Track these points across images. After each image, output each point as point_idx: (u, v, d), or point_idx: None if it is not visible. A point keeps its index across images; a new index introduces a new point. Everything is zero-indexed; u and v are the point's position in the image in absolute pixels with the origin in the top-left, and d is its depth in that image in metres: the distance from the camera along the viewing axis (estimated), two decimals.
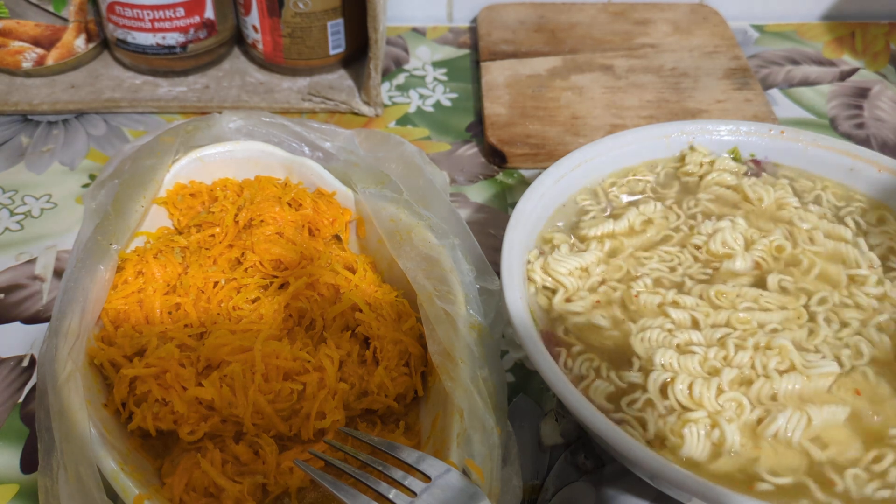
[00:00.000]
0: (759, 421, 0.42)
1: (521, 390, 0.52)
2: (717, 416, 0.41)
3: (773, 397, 0.43)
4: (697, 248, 0.51)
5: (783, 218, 0.53)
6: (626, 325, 0.46)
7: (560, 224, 0.53)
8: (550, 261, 0.49)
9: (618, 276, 0.49)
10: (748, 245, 0.51)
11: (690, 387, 0.43)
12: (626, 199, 0.55)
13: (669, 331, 0.46)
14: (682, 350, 0.45)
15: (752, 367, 0.44)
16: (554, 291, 0.48)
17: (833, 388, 0.43)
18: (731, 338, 0.45)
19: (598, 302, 0.48)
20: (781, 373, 0.43)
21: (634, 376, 0.44)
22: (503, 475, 0.41)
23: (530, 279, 0.49)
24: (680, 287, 0.49)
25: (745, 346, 0.44)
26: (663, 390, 0.43)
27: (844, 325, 0.46)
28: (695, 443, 0.40)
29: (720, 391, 0.42)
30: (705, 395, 0.42)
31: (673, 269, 0.50)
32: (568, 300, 0.48)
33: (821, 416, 0.41)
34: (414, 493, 0.37)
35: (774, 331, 0.46)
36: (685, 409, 0.42)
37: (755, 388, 0.43)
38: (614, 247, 0.51)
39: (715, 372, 0.43)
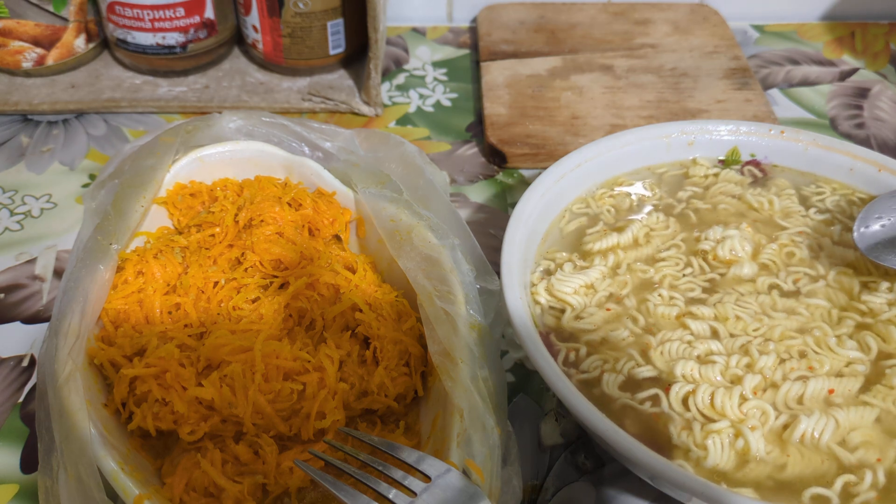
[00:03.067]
0: (785, 426, 0.41)
1: (521, 390, 0.52)
2: (740, 424, 0.41)
3: (800, 400, 0.43)
4: (705, 253, 0.51)
5: (790, 226, 0.53)
6: (644, 338, 0.46)
7: (561, 234, 0.53)
8: (554, 282, 0.49)
9: (626, 289, 0.49)
10: (757, 251, 0.51)
11: (712, 397, 0.43)
12: (630, 206, 0.55)
13: (689, 342, 0.45)
14: (703, 360, 0.44)
15: (776, 370, 0.44)
16: (562, 311, 0.48)
17: (861, 391, 0.43)
18: (753, 344, 0.45)
19: (608, 310, 0.48)
20: (806, 378, 0.43)
21: (646, 370, 0.44)
22: (503, 475, 0.41)
23: (535, 301, 0.48)
24: (692, 296, 0.48)
25: (768, 350, 0.44)
26: (685, 402, 0.43)
27: (859, 328, 0.47)
28: (719, 453, 0.40)
29: (743, 399, 0.42)
30: (727, 405, 0.42)
31: (681, 275, 0.50)
32: (577, 318, 0.48)
33: (848, 419, 0.41)
34: (414, 493, 0.37)
35: (793, 336, 0.46)
36: (708, 419, 0.42)
37: (781, 392, 0.43)
38: (618, 260, 0.51)
39: (737, 380, 0.43)
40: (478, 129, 0.74)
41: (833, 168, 0.57)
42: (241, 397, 0.43)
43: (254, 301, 0.50)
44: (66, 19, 0.73)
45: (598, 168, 0.56)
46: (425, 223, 0.50)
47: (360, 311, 0.48)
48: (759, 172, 0.58)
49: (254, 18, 0.73)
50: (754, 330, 0.46)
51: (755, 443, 0.40)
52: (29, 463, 0.48)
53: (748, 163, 0.59)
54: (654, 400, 0.43)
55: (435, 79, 0.80)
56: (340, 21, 0.73)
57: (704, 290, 0.49)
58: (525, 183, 0.68)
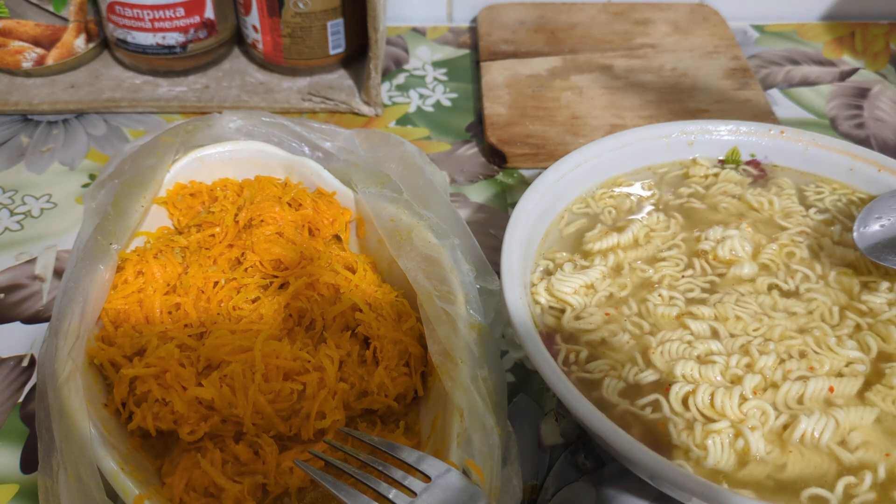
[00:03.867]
0: (786, 426, 0.41)
1: (521, 390, 0.52)
2: (740, 424, 0.41)
3: (800, 400, 0.43)
4: (705, 253, 0.51)
5: (790, 226, 0.53)
6: (644, 338, 0.46)
7: (561, 234, 0.53)
8: (554, 282, 0.49)
9: (626, 290, 0.49)
10: (757, 251, 0.51)
11: (712, 397, 0.42)
12: (628, 207, 0.55)
13: (689, 342, 0.45)
14: (703, 360, 0.44)
15: (776, 370, 0.44)
16: (562, 311, 0.48)
17: (861, 391, 0.43)
18: (753, 344, 0.45)
19: (607, 314, 0.48)
20: (806, 378, 0.43)
21: (648, 374, 0.44)
22: (503, 475, 0.41)
23: (535, 301, 0.48)
24: (692, 296, 0.48)
25: (768, 350, 0.44)
26: (685, 402, 0.43)
27: (859, 328, 0.47)
28: (718, 453, 0.40)
29: (743, 399, 0.42)
30: (727, 405, 0.42)
31: (680, 275, 0.50)
32: (577, 318, 0.48)
33: (848, 419, 0.41)
34: (414, 493, 0.37)
35: (793, 336, 0.46)
36: (708, 419, 0.42)
37: (781, 392, 0.43)
38: (619, 260, 0.51)
39: (737, 380, 0.43)
40: (478, 129, 0.74)
41: (833, 168, 0.57)
42: (241, 397, 0.43)
43: (254, 301, 0.50)
44: (66, 19, 0.73)
45: (598, 168, 0.56)
46: (425, 223, 0.50)
47: (360, 311, 0.48)
48: (759, 172, 0.58)
49: (254, 18, 0.73)
50: (754, 330, 0.46)
51: (755, 443, 0.40)
52: (29, 463, 0.48)
53: (748, 163, 0.59)
54: (655, 405, 0.43)
55: (435, 79, 0.80)
56: (340, 21, 0.73)
57: (704, 290, 0.49)
58: (525, 183, 0.68)
